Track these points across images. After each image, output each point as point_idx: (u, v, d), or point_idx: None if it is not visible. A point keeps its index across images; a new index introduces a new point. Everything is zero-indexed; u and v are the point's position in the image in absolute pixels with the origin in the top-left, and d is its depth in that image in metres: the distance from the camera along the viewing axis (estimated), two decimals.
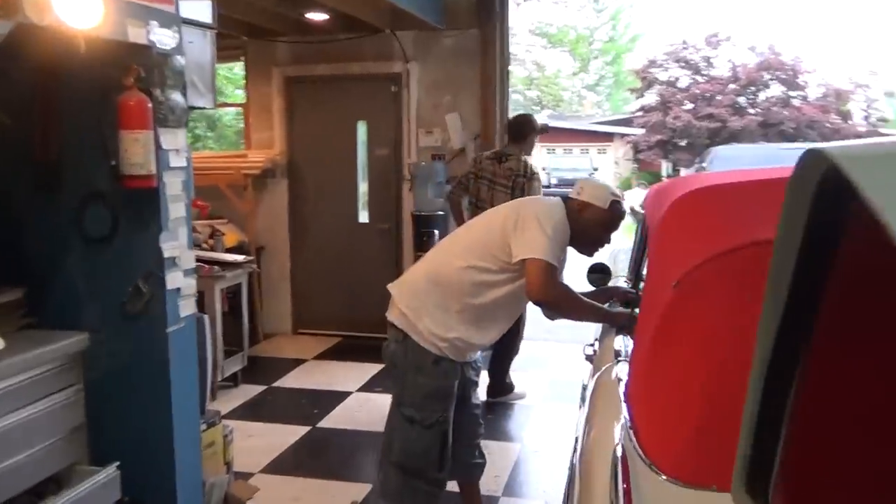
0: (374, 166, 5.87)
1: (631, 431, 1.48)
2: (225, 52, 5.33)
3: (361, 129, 5.86)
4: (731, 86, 22.79)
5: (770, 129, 21.27)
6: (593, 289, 2.81)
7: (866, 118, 22.08)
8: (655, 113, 23.65)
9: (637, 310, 2.58)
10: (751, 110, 22.32)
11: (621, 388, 1.75)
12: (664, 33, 40.71)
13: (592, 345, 2.44)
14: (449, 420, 2.53)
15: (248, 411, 4.36)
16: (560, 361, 5.26)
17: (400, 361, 2.51)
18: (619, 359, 2.02)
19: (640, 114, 24.47)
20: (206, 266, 4.41)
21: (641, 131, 24.04)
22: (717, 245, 1.52)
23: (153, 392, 2.53)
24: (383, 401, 4.56)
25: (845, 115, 21.95)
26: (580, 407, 2.32)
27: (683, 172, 25.34)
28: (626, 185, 23.59)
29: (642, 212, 2.95)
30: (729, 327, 1.40)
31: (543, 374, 5.03)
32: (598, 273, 2.88)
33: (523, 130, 4.41)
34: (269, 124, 5.94)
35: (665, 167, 25.32)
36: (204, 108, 2.78)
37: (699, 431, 1.32)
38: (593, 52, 34.49)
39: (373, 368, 5.11)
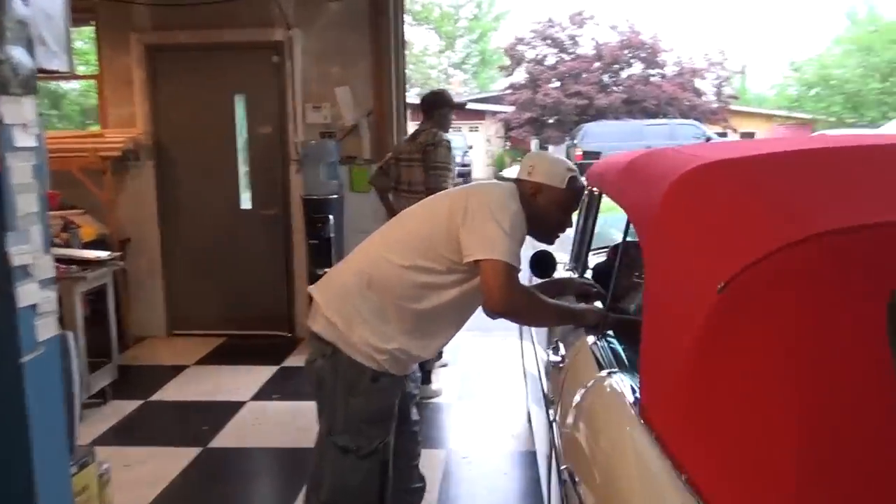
0: (257, 146, 5.27)
1: (683, 479, 1.14)
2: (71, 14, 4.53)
3: (239, 104, 5.23)
4: (596, 64, 23.42)
5: (634, 106, 22.07)
6: (538, 282, 2.48)
7: (718, 95, 23.37)
8: (525, 91, 23.93)
9: (597, 303, 2.28)
10: (615, 88, 23.04)
11: (633, 411, 1.42)
12: (528, 11, 41.35)
13: (556, 348, 2.10)
14: (390, 446, 2.12)
15: (123, 434, 3.73)
16: (469, 354, 4.95)
17: (329, 380, 2.07)
18: (612, 370, 1.69)
19: (509, 91, 24.67)
20: (62, 266, 3.71)
21: (512, 109, 24.26)
22: (771, 236, 1.20)
23: (6, 438, 1.94)
24: (284, 410, 4.11)
25: (699, 92, 23.14)
26: (549, 423, 1.98)
27: (552, 149, 25.96)
28: (501, 163, 23.77)
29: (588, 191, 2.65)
30: (816, 343, 1.09)
31: (453, 369, 4.69)
32: (543, 263, 2.55)
33: (434, 105, 4.25)
34: (129, 99, 5.19)
35: (534, 145, 25.79)
36: (58, 70, 2.16)
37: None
38: (459, 29, 34.48)
39: (265, 372, 4.59)
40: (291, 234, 5.20)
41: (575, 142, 18.93)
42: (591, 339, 1.94)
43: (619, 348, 1.88)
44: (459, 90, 33.23)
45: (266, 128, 5.21)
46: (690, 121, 19.78)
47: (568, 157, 20.30)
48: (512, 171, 16.87)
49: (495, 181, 2.17)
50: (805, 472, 1.03)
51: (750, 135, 22.83)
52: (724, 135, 20.86)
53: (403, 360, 2.09)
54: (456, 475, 3.21)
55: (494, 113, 25.74)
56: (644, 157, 2.02)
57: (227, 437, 3.67)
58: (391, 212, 4.34)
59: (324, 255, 4.84)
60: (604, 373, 1.72)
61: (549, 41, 24.58)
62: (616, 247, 2.99)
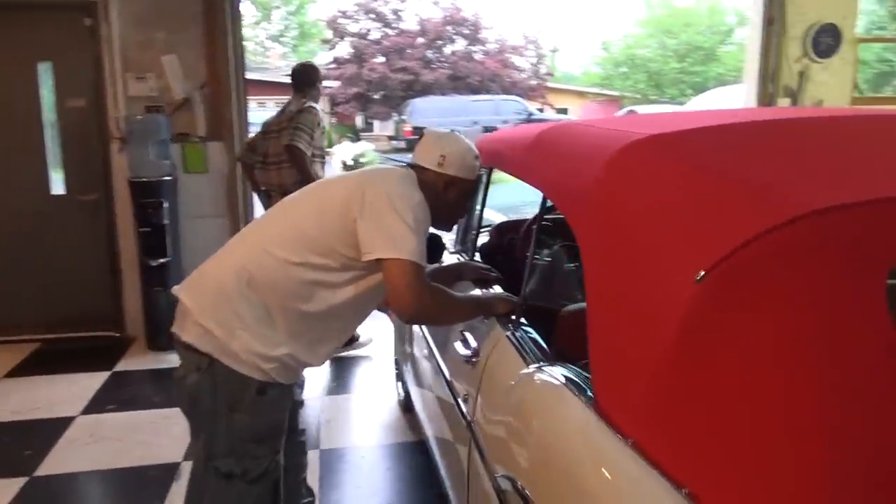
0: (68, 121, 4.58)
1: (673, 485, 1.02)
2: None
3: (46, 74, 4.52)
4: (420, 39, 23.47)
5: (459, 82, 22.39)
6: (429, 268, 2.29)
7: (536, 72, 24.31)
8: (350, 65, 23.48)
9: (494, 288, 2.14)
10: (440, 64, 23.23)
11: (587, 409, 1.28)
12: None
13: (465, 341, 1.92)
14: (280, 464, 1.86)
15: None
16: None
17: (206, 397, 1.76)
18: (541, 364, 1.54)
19: (334, 66, 24.08)
20: None
21: (337, 84, 23.72)
22: (750, 219, 1.10)
23: None
24: (122, 423, 3.60)
25: (520, 69, 23.96)
26: (466, 422, 1.81)
27: (378, 125, 25.78)
28: (329, 140, 23.19)
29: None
30: (813, 333, 1.00)
31: None
32: (431, 247, 2.36)
33: (306, 80, 4.16)
34: None
35: (359, 120, 25.51)
36: None
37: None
38: (275, 0, 33.11)
39: (94, 379, 4.04)
40: (116, 222, 4.60)
41: (403, 117, 18.88)
42: (505, 329, 1.79)
43: (539, 338, 1.74)
44: (279, 64, 31.97)
45: (79, 100, 4.54)
46: (513, 97, 20.41)
47: (397, 132, 20.36)
48: (344, 148, 16.46)
49: (390, 167, 1.94)
50: (810, 472, 0.94)
51: (564, 111, 24.02)
52: (541, 110, 21.75)
53: (293, 368, 1.82)
54: (335, 477, 2.96)
55: None
56: (552, 131, 1.89)
57: (57, 462, 3.15)
58: (256, 188, 4.29)
59: (158, 244, 4.33)
60: (532, 367, 1.57)
61: (372, 15, 24.24)
62: (500, 227, 2.88)
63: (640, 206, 1.31)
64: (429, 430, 2.54)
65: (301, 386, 2.04)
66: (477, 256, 2.52)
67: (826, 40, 5.08)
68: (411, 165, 1.93)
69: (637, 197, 1.33)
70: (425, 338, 2.55)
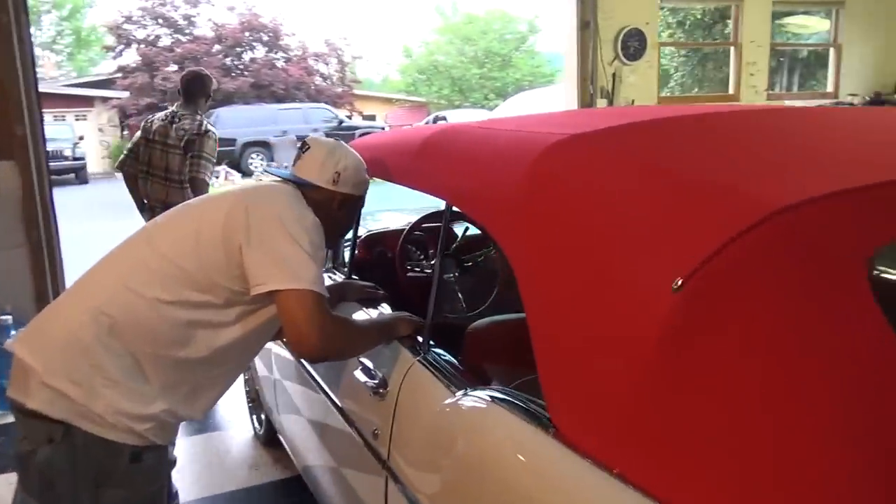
0: None
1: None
2: None
3: None
4: (217, 46, 22.38)
5: (262, 91, 21.60)
6: None
7: (342, 79, 24.12)
8: (140, 74, 21.81)
9: (384, 307, 1.97)
10: (241, 72, 22.30)
11: (543, 434, 1.16)
12: None
13: (367, 370, 1.73)
14: None
15: None
16: None
17: (64, 475, 1.43)
18: (467, 389, 1.41)
19: (121, 75, 22.26)
20: None
21: (126, 94, 21.95)
22: (719, 220, 1.04)
23: None
24: None
25: (325, 77, 23.64)
26: (380, 462, 1.62)
27: None
28: (118, 153, 21.43)
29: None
30: (804, 337, 0.95)
31: None
32: None
33: (201, 90, 3.98)
34: None
35: None
36: None
37: None
38: (43, 4, 30.03)
39: None
40: None
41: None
42: (414, 354, 1.63)
43: (454, 360, 1.61)
44: (54, 73, 29.02)
45: None
46: (321, 104, 20.08)
47: None
48: None
49: (271, 184, 1.70)
50: (825, 488, 0.89)
51: (372, 117, 24.08)
52: (350, 117, 21.62)
53: (172, 425, 1.55)
54: None
55: (106, 99, 23.02)
56: (442, 136, 1.76)
57: None
58: (140, 201, 3.99)
59: None
60: (459, 393, 1.43)
61: (161, 20, 22.71)
62: (366, 240, 2.70)
63: (585, 209, 1.22)
64: (310, 466, 2.31)
65: (173, 443, 1.74)
66: (346, 272, 2.33)
67: (634, 44, 5.45)
68: (296, 182, 1.71)
69: (578, 200, 1.23)
70: (298, 362, 2.31)
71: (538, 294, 1.25)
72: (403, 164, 1.84)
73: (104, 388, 1.42)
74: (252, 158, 16.93)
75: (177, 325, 1.47)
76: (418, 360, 1.61)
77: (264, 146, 17.06)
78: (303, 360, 2.30)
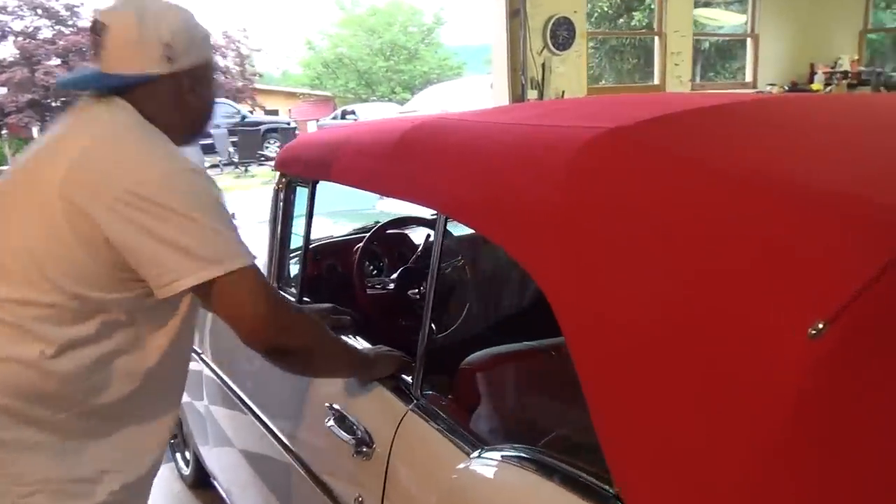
0: None
1: None
2: None
3: None
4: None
5: None
6: None
7: (242, 73, 23.17)
8: (19, 69, 20.21)
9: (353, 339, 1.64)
10: None
11: None
12: None
13: (342, 420, 1.40)
14: None
15: None
16: None
17: None
18: (483, 448, 1.13)
19: None
20: None
21: (4, 91, 20.29)
22: (867, 235, 0.79)
23: None
24: None
25: (224, 71, 22.62)
26: None
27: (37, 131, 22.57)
28: (0, 159, 19.89)
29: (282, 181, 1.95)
30: None
31: None
32: None
33: None
34: None
35: (36, 131, 22.30)
36: None
37: None
38: None
39: None
40: None
41: None
42: (406, 402, 1.32)
43: (455, 405, 1.32)
44: None
45: None
46: (223, 99, 19.20)
47: None
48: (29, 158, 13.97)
49: (95, 111, 1.18)
50: None
51: (274, 112, 23.29)
52: (252, 112, 20.81)
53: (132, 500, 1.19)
54: None
55: None
56: (421, 131, 1.45)
57: None
58: None
59: None
60: (474, 454, 1.14)
61: (40, 11, 21.10)
62: (314, 252, 2.34)
63: (656, 224, 0.94)
64: None
65: None
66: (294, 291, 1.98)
67: (562, 33, 5.27)
68: (113, 87, 1.18)
69: (643, 213, 0.96)
70: (238, 396, 1.96)
71: (595, 337, 0.96)
72: (374, 166, 1.51)
73: (25, 497, 1.04)
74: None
75: (80, 375, 1.10)
76: (412, 409, 1.31)
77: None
78: (243, 394, 1.94)
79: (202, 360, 2.27)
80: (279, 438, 1.71)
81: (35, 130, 22.04)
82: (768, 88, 6.78)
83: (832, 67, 7.20)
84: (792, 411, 0.74)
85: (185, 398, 2.48)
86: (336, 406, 1.45)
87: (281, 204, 1.95)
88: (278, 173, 1.96)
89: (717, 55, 12.12)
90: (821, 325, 0.73)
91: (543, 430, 1.24)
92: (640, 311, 0.91)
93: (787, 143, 1.09)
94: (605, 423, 0.92)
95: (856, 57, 7.29)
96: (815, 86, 6.95)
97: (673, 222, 0.92)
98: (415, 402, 1.32)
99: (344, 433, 1.39)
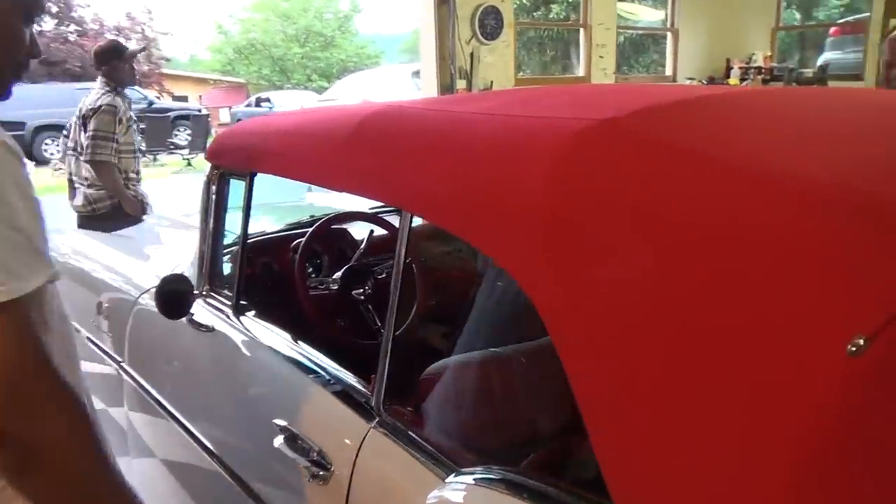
0: None
1: None
2: None
3: None
4: None
5: (54, 68, 19.21)
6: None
7: (148, 57, 22.12)
8: None
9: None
10: None
11: None
12: None
13: (293, 441, 1.25)
14: None
15: None
16: None
17: None
18: (459, 472, 1.02)
19: None
20: None
21: None
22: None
23: None
24: None
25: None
26: None
27: None
28: None
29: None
30: None
31: None
32: (175, 299, 1.61)
33: (101, 59, 3.62)
34: None
35: None
36: None
37: None
38: None
39: None
40: None
41: None
42: (369, 419, 1.20)
43: (421, 418, 1.21)
44: None
45: None
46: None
47: None
48: None
49: None
50: None
51: (184, 98, 22.39)
52: (159, 98, 19.91)
53: None
54: None
55: None
56: (380, 119, 1.32)
57: None
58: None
59: None
60: (451, 478, 1.03)
61: None
62: (249, 248, 2.16)
63: (662, 226, 0.85)
64: None
65: None
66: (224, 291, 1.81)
67: (490, 22, 5.19)
68: None
69: (646, 213, 0.87)
70: (164, 406, 1.78)
71: (594, 353, 0.87)
72: (327, 158, 1.37)
73: None
74: (47, 144, 15.00)
75: None
76: (375, 427, 1.18)
77: (61, 130, 15.18)
78: (174, 409, 1.77)
79: (121, 366, 2.07)
80: (216, 455, 1.55)
81: None
82: (687, 82, 6.95)
83: (747, 63, 7.45)
84: (830, 435, 0.67)
85: (100, 405, 2.26)
86: (282, 423, 1.31)
87: (213, 198, 1.78)
88: (210, 164, 1.79)
89: (632, 49, 12.38)
90: (861, 342, 0.65)
91: (521, 446, 1.14)
92: (650, 322, 0.82)
93: (793, 136, 1.02)
94: (607, 449, 0.82)
95: (768, 53, 7.57)
96: (732, 80, 7.17)
97: (684, 222, 0.84)
98: (377, 418, 1.20)
99: (293, 452, 1.25)
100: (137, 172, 3.64)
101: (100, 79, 3.55)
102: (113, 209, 3.52)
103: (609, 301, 0.85)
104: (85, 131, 3.48)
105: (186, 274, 1.76)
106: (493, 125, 1.14)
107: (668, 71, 7.39)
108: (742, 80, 7.06)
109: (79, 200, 3.59)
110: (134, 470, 2.16)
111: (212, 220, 1.79)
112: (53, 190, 12.09)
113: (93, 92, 3.56)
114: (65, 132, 4.00)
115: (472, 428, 1.21)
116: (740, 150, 0.94)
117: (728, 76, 7.30)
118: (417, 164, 1.17)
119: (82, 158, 3.50)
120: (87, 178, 3.56)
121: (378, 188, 1.25)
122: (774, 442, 0.69)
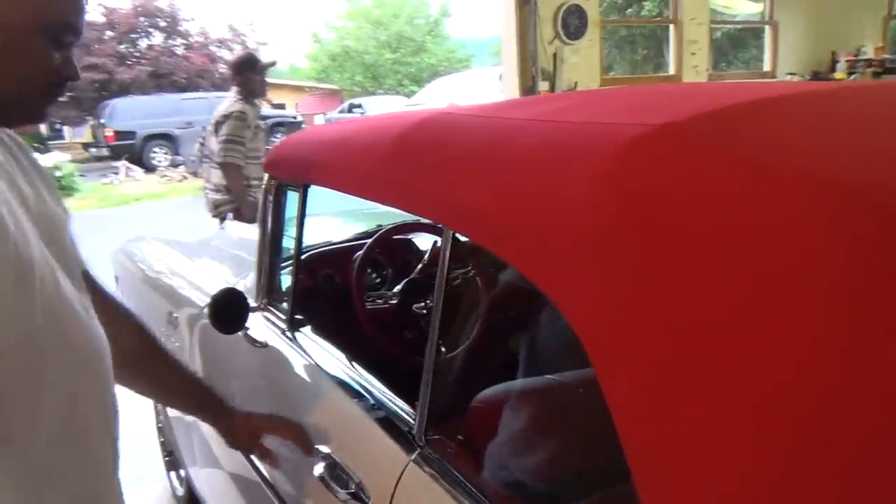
0: None
1: None
2: None
3: None
4: (110, 33, 20.84)
5: (162, 80, 20.29)
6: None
7: None
8: None
9: None
10: (137, 60, 20.90)
11: None
12: None
13: (332, 468, 1.19)
14: None
15: None
16: None
17: None
18: None
19: None
20: None
21: None
22: None
23: None
24: None
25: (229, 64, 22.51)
26: None
27: (69, 131, 22.55)
28: None
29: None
30: None
31: None
32: (231, 311, 1.58)
33: (237, 70, 3.95)
34: None
35: (43, 127, 22.27)
36: None
37: None
38: None
39: None
40: None
41: (102, 121, 16.59)
42: (409, 452, 1.12)
43: (466, 454, 1.12)
44: None
45: None
46: (221, 93, 19.05)
47: (96, 137, 17.77)
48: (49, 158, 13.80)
49: None
50: None
51: (281, 106, 23.12)
52: (259, 106, 20.64)
53: None
54: None
55: None
56: (424, 128, 1.24)
57: None
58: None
59: None
60: None
61: None
62: (309, 261, 2.13)
63: (735, 247, 0.73)
64: None
65: None
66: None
67: (574, 22, 5.04)
68: None
69: (716, 230, 0.75)
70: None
71: (646, 392, 0.76)
72: (368, 169, 1.31)
73: None
74: (155, 152, 15.83)
75: None
76: (415, 461, 1.10)
77: (167, 139, 15.96)
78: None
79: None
80: (266, 479, 1.51)
81: (43, 126, 22.02)
82: (788, 78, 6.54)
83: (855, 55, 6.93)
84: None
85: (172, 412, 2.29)
86: (326, 450, 1.25)
87: (270, 209, 1.75)
88: (267, 175, 1.76)
89: (730, 44, 11.83)
90: None
91: (579, 486, 1.04)
92: (722, 369, 0.70)
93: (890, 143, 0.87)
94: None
95: (880, 44, 7.02)
96: (839, 74, 6.69)
97: (761, 248, 0.71)
98: (418, 450, 1.12)
99: (335, 484, 1.19)
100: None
101: (234, 88, 3.85)
102: (235, 213, 3.83)
103: (667, 341, 0.74)
104: (217, 137, 3.73)
105: (249, 286, 1.74)
106: (538, 133, 1.04)
107: (767, 66, 6.98)
108: (849, 73, 6.58)
109: (208, 205, 3.95)
110: (201, 478, 2.18)
111: (269, 233, 1.77)
112: (159, 196, 12.73)
113: (226, 100, 3.88)
114: (200, 140, 4.39)
115: (521, 468, 1.11)
116: (831, 161, 0.81)
117: (834, 70, 6.81)
118: (456, 178, 1.09)
119: (214, 160, 3.77)
120: (214, 184, 3.86)
121: (416, 202, 1.18)
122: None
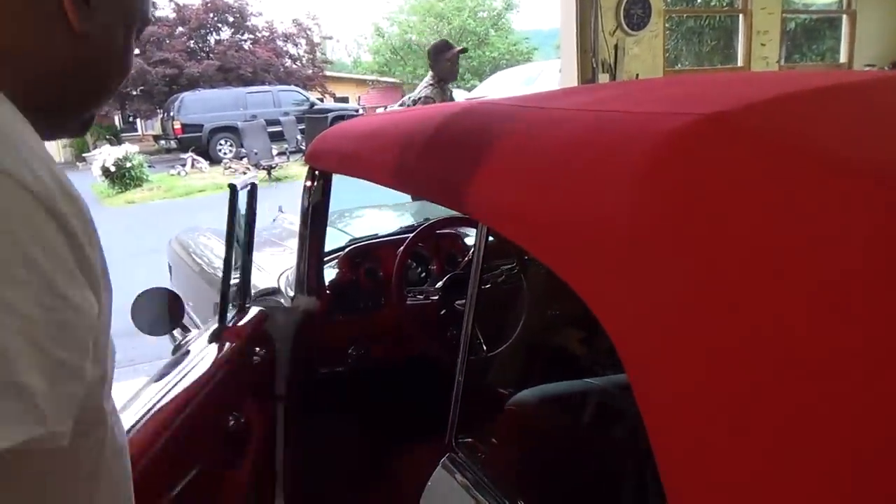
0: None
1: None
2: None
3: None
4: (180, 28, 21.44)
5: (229, 74, 20.75)
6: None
7: (312, 61, 23.32)
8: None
9: None
10: (206, 55, 21.44)
11: None
12: None
13: None
14: None
15: None
16: None
17: None
18: None
19: None
20: None
21: None
22: None
23: None
24: None
25: (294, 58, 22.85)
26: None
27: (141, 124, 23.34)
28: (81, 143, 20.59)
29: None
30: None
31: None
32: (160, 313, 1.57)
33: (431, 55, 4.22)
34: None
35: (117, 119, 23.11)
36: None
37: None
38: None
39: None
40: None
41: (172, 114, 17.08)
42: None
43: (495, 455, 1.07)
44: None
45: None
46: (292, 87, 19.35)
47: (165, 130, 18.32)
48: (104, 152, 14.32)
49: None
50: None
51: (344, 99, 23.37)
52: (321, 100, 20.90)
53: None
54: None
55: None
56: (460, 120, 1.19)
57: None
58: None
59: None
60: None
61: None
62: (351, 254, 2.11)
63: (789, 247, 0.66)
64: None
65: None
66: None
67: (637, 12, 4.90)
68: None
69: (766, 229, 0.68)
70: None
71: (692, 414, 0.69)
72: (407, 162, 1.27)
73: None
74: (221, 145, 16.21)
75: None
76: (444, 463, 1.06)
77: (233, 132, 16.33)
78: None
79: None
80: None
81: (117, 118, 22.84)
82: (867, 70, 6.22)
83: None
84: None
85: None
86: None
87: (309, 202, 1.73)
88: (308, 167, 1.74)
89: (805, 35, 11.34)
90: None
91: (613, 494, 0.98)
92: (775, 388, 0.63)
93: None
94: None
95: None
96: None
97: (817, 242, 0.64)
98: (448, 453, 1.07)
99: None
100: None
101: (430, 73, 4.10)
102: None
103: (713, 355, 0.67)
104: None
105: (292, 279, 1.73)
106: (579, 123, 0.97)
107: (843, 58, 6.65)
108: None
109: None
110: None
111: (309, 226, 1.75)
112: (222, 188, 12.99)
113: (420, 84, 4.13)
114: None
115: (549, 476, 1.06)
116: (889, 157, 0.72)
117: None
118: (492, 171, 1.03)
119: None
120: None
121: (450, 195, 1.12)
122: None
